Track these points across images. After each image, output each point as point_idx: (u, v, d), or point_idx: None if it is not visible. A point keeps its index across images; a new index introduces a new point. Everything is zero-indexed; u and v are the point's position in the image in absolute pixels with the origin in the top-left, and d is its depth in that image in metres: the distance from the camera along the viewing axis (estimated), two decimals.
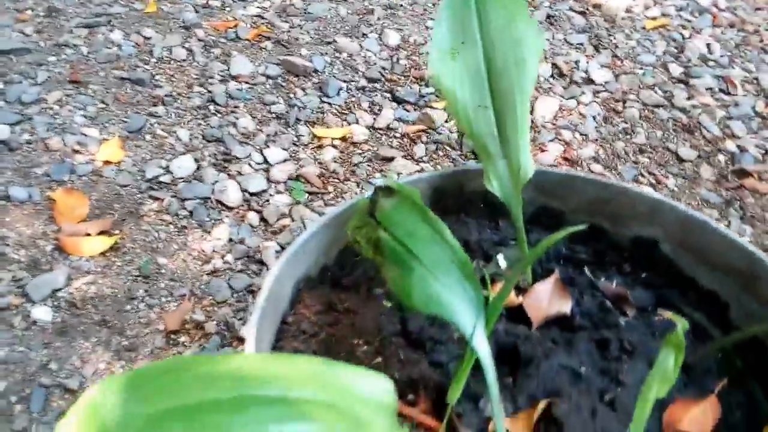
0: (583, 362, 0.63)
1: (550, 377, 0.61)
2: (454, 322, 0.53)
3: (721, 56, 1.56)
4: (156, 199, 1.16)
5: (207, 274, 1.06)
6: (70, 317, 0.98)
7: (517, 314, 0.69)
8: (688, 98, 1.43)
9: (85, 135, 1.27)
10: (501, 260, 0.74)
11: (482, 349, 0.52)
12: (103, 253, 1.07)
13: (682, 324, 0.45)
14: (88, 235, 1.09)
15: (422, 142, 1.30)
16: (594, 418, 0.57)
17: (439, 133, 1.31)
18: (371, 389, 0.46)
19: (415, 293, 0.54)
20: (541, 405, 0.58)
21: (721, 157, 1.31)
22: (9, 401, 0.89)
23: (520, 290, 0.72)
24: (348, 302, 0.67)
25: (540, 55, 0.69)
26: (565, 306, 0.69)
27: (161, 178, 1.20)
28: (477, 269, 0.73)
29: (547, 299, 0.69)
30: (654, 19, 1.67)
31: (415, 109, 1.37)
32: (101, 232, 1.10)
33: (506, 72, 0.68)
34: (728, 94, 1.46)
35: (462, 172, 0.76)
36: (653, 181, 1.25)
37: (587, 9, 1.69)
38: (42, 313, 0.99)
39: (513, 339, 0.64)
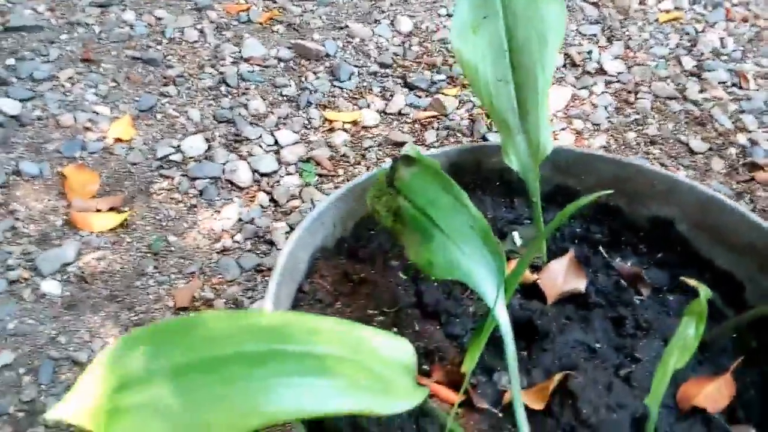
0: (598, 338, 0.63)
1: (566, 352, 0.61)
2: (475, 289, 0.52)
3: (734, 50, 1.55)
4: (166, 177, 1.16)
5: (216, 252, 1.05)
6: (79, 291, 0.98)
7: (532, 291, 0.69)
8: (701, 91, 1.43)
9: (97, 113, 1.27)
10: (516, 238, 0.74)
11: (502, 317, 0.52)
12: (113, 229, 1.07)
13: (704, 292, 0.45)
14: (99, 211, 1.09)
15: (433, 128, 1.30)
16: (609, 391, 0.57)
17: (451, 120, 1.31)
18: (393, 351, 0.46)
19: (436, 260, 0.54)
20: (557, 377, 0.58)
21: (733, 150, 1.30)
22: (18, 372, 0.89)
23: (536, 268, 0.72)
24: (364, 273, 0.67)
25: (563, 32, 0.68)
26: (580, 284, 0.69)
27: (172, 157, 1.19)
28: None
29: (562, 277, 0.69)
30: (667, 12, 1.67)
31: (426, 96, 1.37)
32: (111, 209, 1.10)
33: (528, 47, 0.68)
34: (740, 88, 1.45)
35: (480, 148, 0.75)
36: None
37: (600, 0, 1.69)
38: (51, 286, 0.99)
39: (528, 314, 0.64)
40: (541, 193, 0.69)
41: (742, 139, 1.33)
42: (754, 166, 1.28)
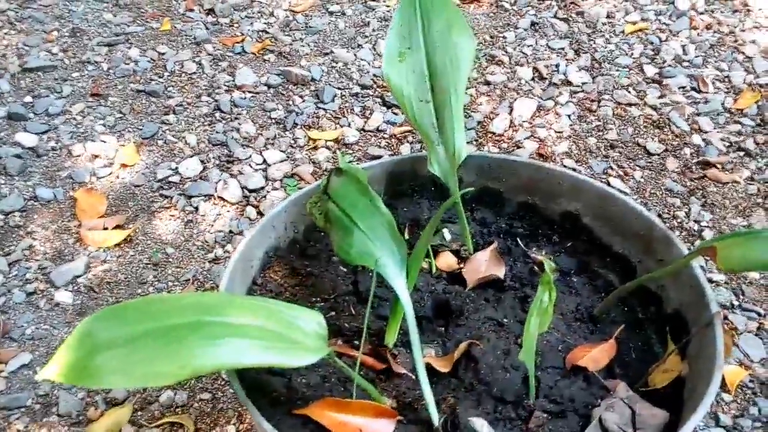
0: (506, 314, 0.75)
1: (477, 326, 0.73)
2: (381, 272, 0.64)
3: (696, 57, 1.65)
4: (166, 197, 1.30)
5: (209, 261, 1.19)
6: (89, 300, 1.12)
7: (457, 279, 0.81)
8: (660, 97, 1.53)
9: (105, 142, 1.41)
10: (446, 233, 0.86)
11: (401, 291, 0.64)
12: (118, 245, 1.21)
13: (548, 265, 0.56)
14: (106, 229, 1.23)
15: (408, 142, 1.42)
16: (507, 356, 0.68)
17: None
18: (305, 321, 0.58)
19: (352, 251, 0.66)
20: (462, 346, 0.69)
21: (687, 150, 1.40)
22: (35, 371, 1.02)
23: (463, 259, 0.83)
24: (310, 268, 0.80)
25: (472, 58, 0.80)
26: (500, 271, 0.80)
27: (171, 179, 1.33)
28: None
29: (484, 266, 0.80)
30: (633, 23, 1.77)
31: (402, 112, 1.49)
32: (117, 227, 1.24)
33: (444, 72, 0.80)
34: (699, 91, 1.55)
35: (416, 159, 0.87)
36: (621, 174, 1.36)
37: (570, 16, 1.80)
38: (64, 296, 1.12)
39: (447, 296, 0.76)
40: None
41: (697, 139, 1.42)
42: (707, 164, 1.38)
